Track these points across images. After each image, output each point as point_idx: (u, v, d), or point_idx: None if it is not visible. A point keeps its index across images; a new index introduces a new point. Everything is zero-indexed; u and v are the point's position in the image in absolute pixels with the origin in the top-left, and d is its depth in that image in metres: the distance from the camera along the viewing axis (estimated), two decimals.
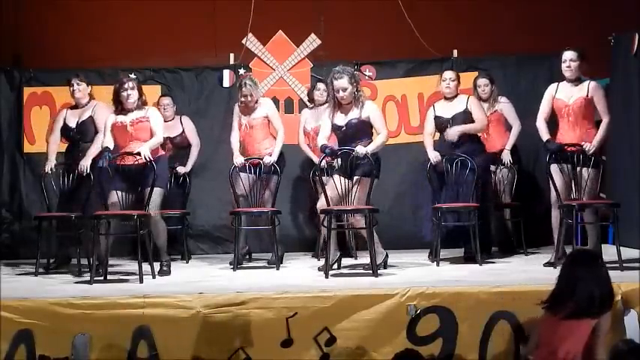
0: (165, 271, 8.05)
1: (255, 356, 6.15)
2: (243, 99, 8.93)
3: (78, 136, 8.74)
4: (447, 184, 8.55)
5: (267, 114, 9.00)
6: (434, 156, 8.58)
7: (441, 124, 8.74)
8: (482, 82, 9.53)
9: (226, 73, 10.52)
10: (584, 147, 7.86)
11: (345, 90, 7.90)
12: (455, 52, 10.49)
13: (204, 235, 10.45)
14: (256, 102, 8.99)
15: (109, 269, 7.75)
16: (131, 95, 8.03)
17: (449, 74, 8.84)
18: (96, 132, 8.61)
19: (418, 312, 6.23)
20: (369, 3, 10.64)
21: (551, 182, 7.95)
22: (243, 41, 10.47)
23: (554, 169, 7.97)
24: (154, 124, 8.08)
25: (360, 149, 7.76)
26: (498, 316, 6.23)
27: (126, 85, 8.04)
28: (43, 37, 10.44)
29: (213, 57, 10.55)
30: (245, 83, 8.95)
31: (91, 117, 8.71)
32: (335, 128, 8.06)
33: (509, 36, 10.51)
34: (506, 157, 9.42)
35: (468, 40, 10.55)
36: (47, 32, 10.52)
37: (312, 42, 10.54)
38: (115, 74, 10.41)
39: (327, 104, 8.43)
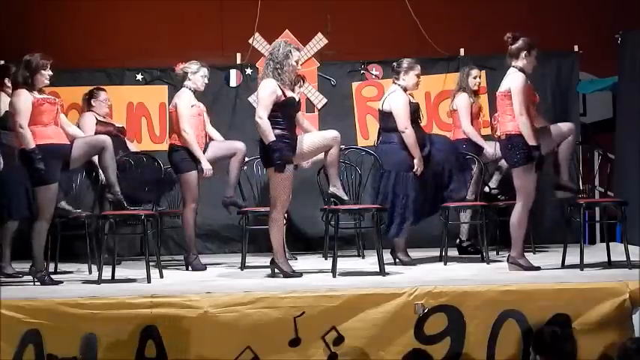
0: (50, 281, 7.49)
1: (262, 356, 6.15)
2: (204, 80, 8.73)
3: None
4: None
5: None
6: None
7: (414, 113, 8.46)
8: (477, 72, 9.37)
9: (233, 72, 10.52)
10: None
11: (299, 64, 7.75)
12: (462, 51, 10.47)
13: (211, 234, 10.43)
14: None
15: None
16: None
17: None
18: None
19: (426, 311, 6.23)
20: (375, 2, 10.62)
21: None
22: (250, 41, 10.46)
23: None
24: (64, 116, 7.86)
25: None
26: (506, 315, 6.21)
27: (49, 66, 7.65)
28: (48, 38, 10.43)
29: (220, 57, 10.54)
30: (204, 65, 8.78)
31: None
32: (293, 104, 7.60)
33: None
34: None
35: (475, 38, 10.52)
36: (53, 32, 10.52)
37: (319, 41, 10.51)
38: (120, 74, 10.45)
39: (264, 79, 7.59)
